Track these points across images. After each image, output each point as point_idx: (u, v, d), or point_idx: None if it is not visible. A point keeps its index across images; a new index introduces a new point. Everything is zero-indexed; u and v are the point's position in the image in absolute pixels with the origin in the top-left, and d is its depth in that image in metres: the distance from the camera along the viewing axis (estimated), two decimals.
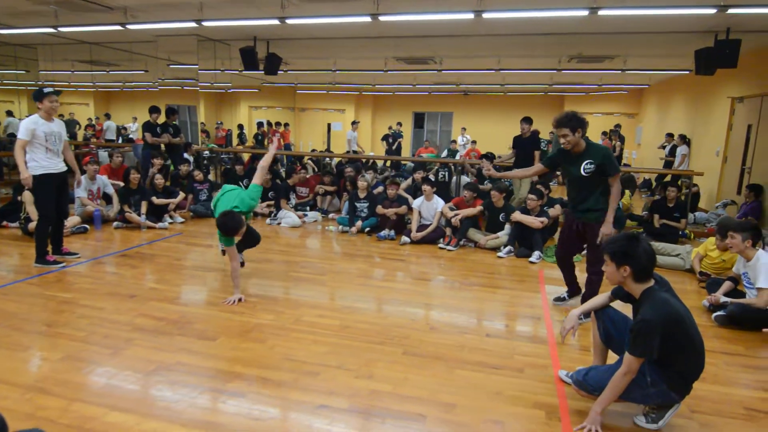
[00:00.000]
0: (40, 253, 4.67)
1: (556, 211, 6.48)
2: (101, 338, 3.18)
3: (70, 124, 15.98)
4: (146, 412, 2.37)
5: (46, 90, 4.54)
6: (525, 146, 7.33)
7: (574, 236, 3.77)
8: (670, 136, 10.73)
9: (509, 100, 16.98)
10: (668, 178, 9.09)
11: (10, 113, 10.93)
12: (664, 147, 10.99)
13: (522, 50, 9.31)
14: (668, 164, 10.57)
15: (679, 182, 8.13)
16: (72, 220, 6.03)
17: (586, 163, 3.49)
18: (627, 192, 8.68)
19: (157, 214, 6.73)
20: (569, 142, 3.47)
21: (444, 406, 2.51)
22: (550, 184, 11.14)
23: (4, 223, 6.16)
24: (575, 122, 3.42)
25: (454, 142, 14.77)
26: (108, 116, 16.27)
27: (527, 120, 7.31)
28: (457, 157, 12.92)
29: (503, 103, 17.08)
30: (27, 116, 4.67)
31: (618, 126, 13.60)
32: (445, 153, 15.25)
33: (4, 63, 10.20)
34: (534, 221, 5.64)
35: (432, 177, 8.07)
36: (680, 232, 6.55)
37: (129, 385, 2.63)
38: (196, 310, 3.77)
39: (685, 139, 10.09)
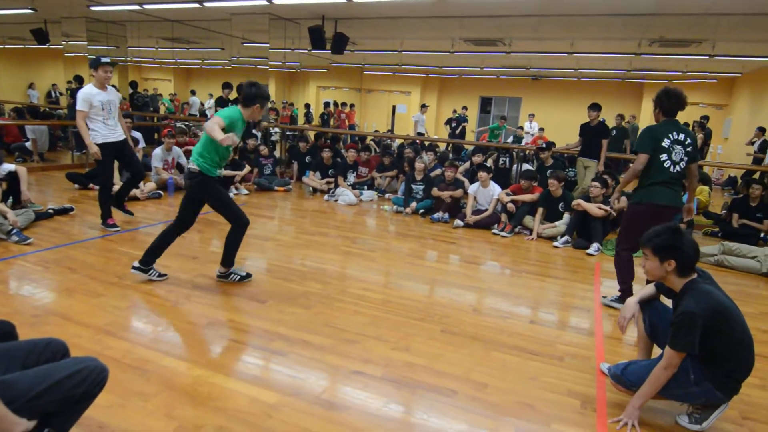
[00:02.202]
0: (103, 217, 4.95)
1: (621, 203, 6.16)
2: (164, 292, 3.46)
3: (154, 99, 17.12)
4: (196, 360, 2.58)
5: (103, 59, 4.54)
6: (592, 134, 6.99)
7: None
8: (760, 130, 9.81)
9: (583, 86, 16.18)
10: (756, 176, 8.34)
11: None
12: (753, 143, 10.06)
13: (597, 32, 8.79)
14: (757, 161, 9.68)
15: (767, 180, 7.45)
16: (148, 186, 6.54)
17: None
18: (706, 188, 8.08)
19: (223, 185, 7.07)
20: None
21: (476, 384, 2.53)
22: (620, 176, 10.56)
23: (90, 185, 6.78)
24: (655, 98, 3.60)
25: (521, 128, 14.31)
26: (193, 93, 17.24)
27: (595, 107, 6.96)
28: (523, 143, 12.54)
29: (576, 89, 16.29)
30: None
31: (705, 118, 12.54)
32: (510, 139, 14.84)
33: (97, 39, 11.04)
34: (594, 208, 5.42)
35: (491, 163, 7.92)
36: (761, 235, 6.03)
37: (184, 336, 2.86)
38: None
39: None
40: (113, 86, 4.93)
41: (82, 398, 1.53)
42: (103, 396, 1.64)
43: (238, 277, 3.76)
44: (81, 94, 4.53)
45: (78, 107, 4.52)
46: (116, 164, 6.17)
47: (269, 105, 14.63)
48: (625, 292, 3.67)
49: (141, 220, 5.36)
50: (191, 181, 3.43)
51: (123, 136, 4.82)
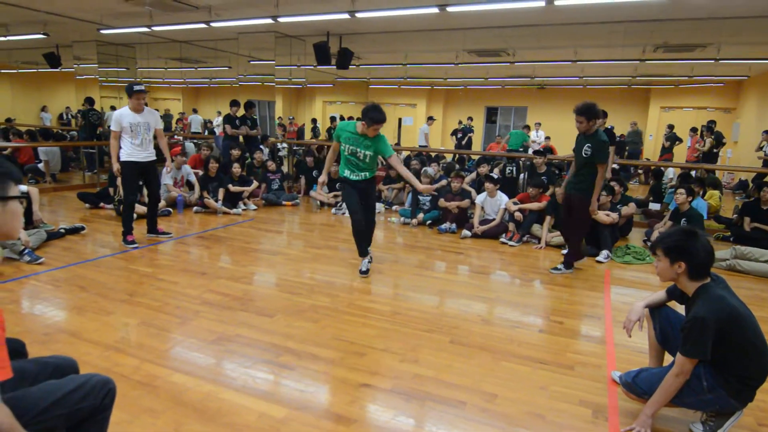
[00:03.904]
0: (124, 233, 5.08)
1: (630, 209, 6.13)
2: (173, 309, 3.49)
3: (167, 118, 17.43)
4: (204, 376, 2.58)
5: (136, 87, 4.88)
6: None
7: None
8: (767, 133, 9.70)
9: (589, 93, 16.13)
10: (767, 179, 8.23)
11: (113, 108, 12.15)
12: (761, 148, 9.95)
13: (601, 40, 8.81)
14: (767, 163, 9.57)
15: None
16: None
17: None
18: (716, 193, 7.99)
19: (232, 200, 7.18)
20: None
21: (485, 395, 2.50)
22: (629, 183, 10.49)
23: (101, 204, 6.87)
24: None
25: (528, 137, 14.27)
26: (195, 111, 17.49)
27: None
28: (530, 152, 12.50)
29: (582, 96, 15.93)
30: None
31: (712, 122, 12.45)
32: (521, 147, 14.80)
33: (107, 62, 11.28)
34: (603, 216, 5.37)
35: (498, 173, 7.91)
36: None
37: (192, 352, 2.87)
38: (258, 289, 4.01)
39: None
40: (156, 109, 5.32)
41: (93, 413, 1.54)
42: (112, 413, 1.65)
43: (360, 270, 4.49)
44: (114, 115, 4.93)
45: (111, 127, 4.91)
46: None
47: (278, 121, 14.82)
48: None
49: (146, 239, 5.41)
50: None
51: (150, 158, 5.06)
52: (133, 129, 4.87)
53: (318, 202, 7.78)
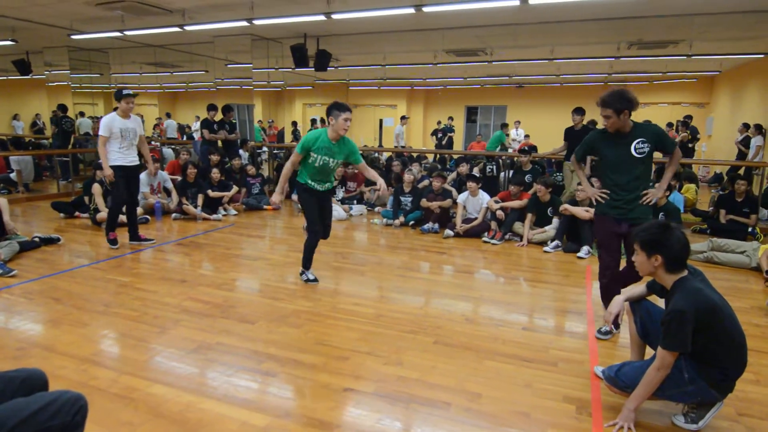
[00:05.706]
0: (106, 229, 5.20)
1: None
2: (152, 318, 3.41)
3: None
4: (184, 386, 2.52)
5: (125, 92, 4.96)
6: (576, 138, 7.03)
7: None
8: (745, 126, 9.92)
9: (566, 91, 16.34)
10: (741, 171, 8.43)
11: (82, 114, 11.89)
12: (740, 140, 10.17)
13: (576, 38, 8.92)
14: (742, 156, 9.79)
15: (753, 176, 7.53)
16: None
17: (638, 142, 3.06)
18: (692, 186, 8.15)
19: (212, 206, 7.07)
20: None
21: (470, 395, 2.49)
22: None
23: (77, 213, 6.71)
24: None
25: (507, 135, 14.39)
26: (168, 115, 17.21)
27: (579, 111, 7.03)
28: (509, 151, 12.60)
29: (560, 94, 16.46)
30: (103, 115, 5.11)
31: (688, 117, 12.67)
32: (498, 147, 14.91)
33: (80, 67, 11.04)
34: (582, 212, 5.43)
35: (478, 172, 7.95)
36: (749, 229, 6.07)
37: (172, 362, 2.80)
38: (240, 296, 3.95)
39: (761, 130, 9.30)
40: (139, 115, 5.25)
41: (64, 431, 1.49)
42: (89, 427, 1.60)
43: (305, 278, 4.26)
44: (103, 121, 4.90)
45: (100, 132, 4.89)
46: (101, 191, 6.18)
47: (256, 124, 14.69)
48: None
49: (129, 247, 5.30)
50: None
51: (135, 163, 5.11)
52: (123, 134, 4.92)
53: (299, 206, 7.71)
